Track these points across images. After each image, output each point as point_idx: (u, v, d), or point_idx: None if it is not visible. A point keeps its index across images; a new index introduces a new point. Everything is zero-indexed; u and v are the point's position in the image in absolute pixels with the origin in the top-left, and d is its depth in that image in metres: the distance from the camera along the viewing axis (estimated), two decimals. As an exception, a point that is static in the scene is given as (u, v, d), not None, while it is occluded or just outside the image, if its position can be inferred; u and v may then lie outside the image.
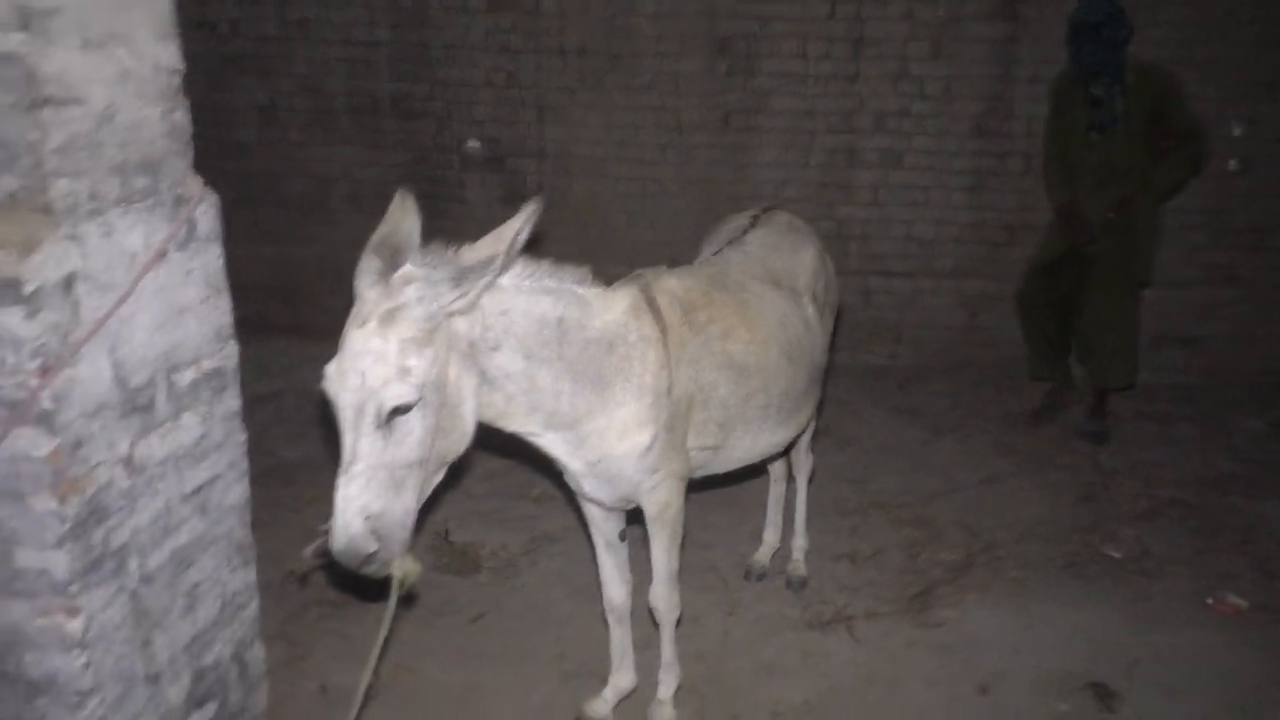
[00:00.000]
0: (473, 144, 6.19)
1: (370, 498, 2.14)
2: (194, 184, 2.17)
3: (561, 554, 4.18)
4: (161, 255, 2.03)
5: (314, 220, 6.51)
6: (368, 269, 2.24)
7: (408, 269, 2.21)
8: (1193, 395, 5.90)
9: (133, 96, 1.95)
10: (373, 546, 2.16)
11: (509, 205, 6.32)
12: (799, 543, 4.01)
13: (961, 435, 5.42)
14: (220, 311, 2.27)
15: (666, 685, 3.15)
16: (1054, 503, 4.71)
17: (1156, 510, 4.62)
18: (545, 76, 6.06)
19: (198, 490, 2.23)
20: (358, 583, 2.76)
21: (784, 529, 4.11)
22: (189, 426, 2.18)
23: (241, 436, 2.38)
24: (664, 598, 3.02)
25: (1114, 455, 5.20)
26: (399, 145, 6.29)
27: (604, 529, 3.05)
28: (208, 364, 2.23)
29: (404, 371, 2.13)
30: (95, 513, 1.91)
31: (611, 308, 2.62)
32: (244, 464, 2.40)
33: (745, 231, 3.36)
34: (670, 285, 2.83)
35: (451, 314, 2.23)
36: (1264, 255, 5.90)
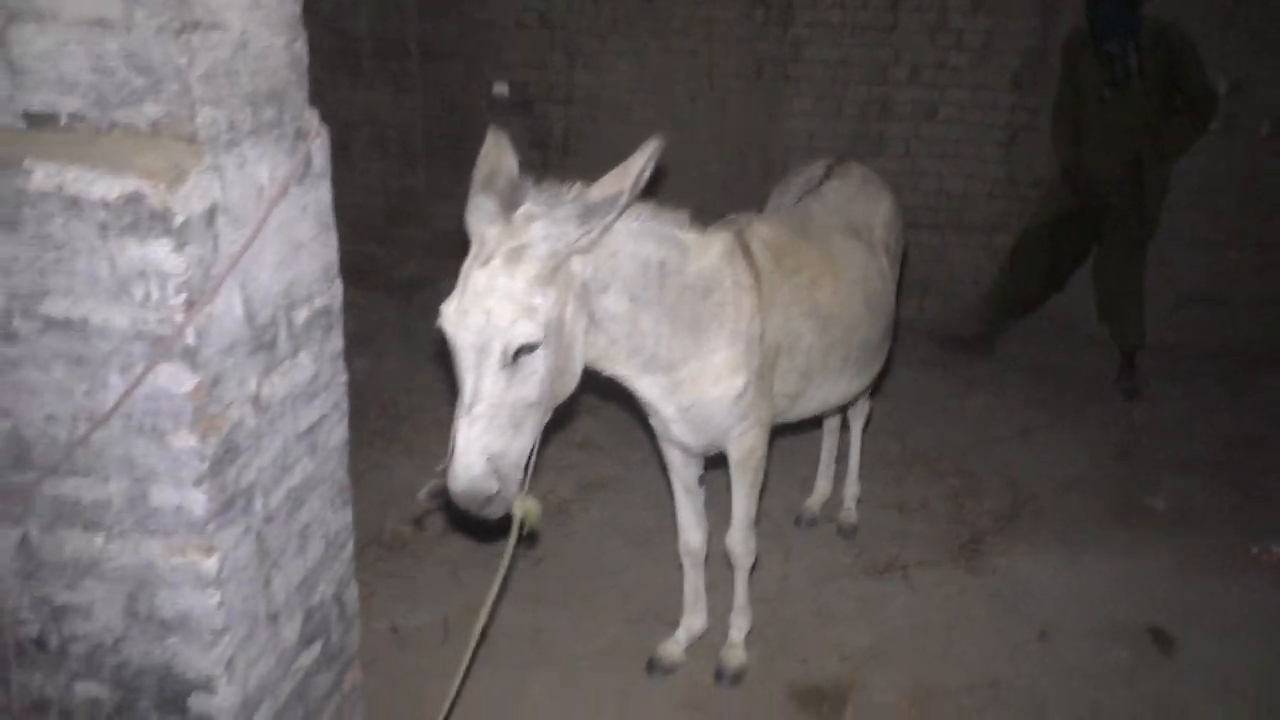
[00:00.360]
0: (500, 88, 6.09)
1: (492, 438, 2.13)
2: (311, 117, 2.11)
3: (612, 501, 4.19)
4: (286, 189, 1.98)
5: (335, 165, 6.37)
6: (483, 207, 2.21)
7: (529, 207, 2.18)
8: (1216, 355, 5.95)
9: (261, 24, 1.89)
10: (494, 487, 2.15)
11: (535, 151, 6.29)
12: (851, 490, 4.04)
13: (994, 389, 5.45)
14: (330, 249, 2.22)
15: (739, 628, 3.18)
16: (1091, 456, 4.77)
17: (1191, 466, 4.68)
18: (577, 19, 5.95)
19: (310, 430, 2.20)
20: (474, 524, 2.77)
21: (835, 478, 4.13)
22: (304, 365, 2.15)
23: (344, 377, 2.35)
24: (742, 542, 3.03)
25: (1145, 412, 5.26)
26: (425, 88, 6.17)
27: (684, 474, 3.05)
28: (319, 302, 2.19)
29: (531, 310, 2.11)
30: (229, 451, 1.88)
31: (708, 253, 2.59)
32: (345, 405, 2.36)
33: (821, 181, 3.34)
34: (762, 232, 2.81)
35: (573, 253, 2.20)
36: (1292, 218, 5.92)
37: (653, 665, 3.16)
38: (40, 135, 1.70)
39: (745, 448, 2.82)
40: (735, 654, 3.16)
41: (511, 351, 2.11)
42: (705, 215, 2.73)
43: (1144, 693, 3.21)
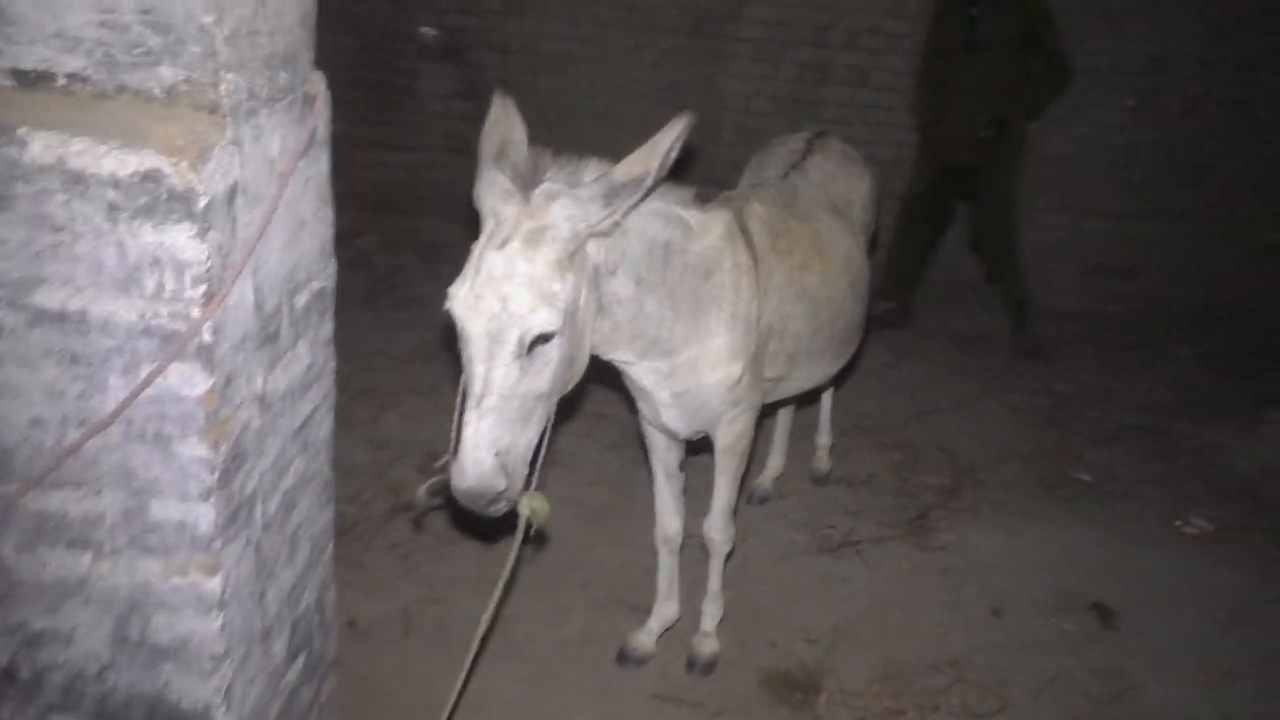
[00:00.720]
0: (428, 31, 5.74)
1: (501, 431, 1.98)
2: (318, 80, 1.89)
3: (559, 478, 4.04)
4: (296, 163, 1.76)
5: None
6: (497, 183, 2.04)
7: (549, 185, 2.02)
8: (1128, 324, 6.17)
9: (278, -26, 1.66)
10: (502, 484, 2.00)
11: (466, 101, 6.00)
12: (823, 440, 4.16)
13: (920, 357, 5.53)
14: (328, 224, 2.02)
15: (711, 616, 3.12)
16: (1020, 426, 4.88)
17: (1114, 435, 4.85)
18: (513, -40, 5.66)
19: (304, 425, 2.00)
20: (476, 522, 2.60)
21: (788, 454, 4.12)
22: (302, 356, 1.95)
23: (334, 364, 2.15)
24: (720, 529, 2.97)
25: (1065, 380, 5.41)
26: (347, 28, 5.77)
27: (666, 459, 2.95)
28: (316, 284, 1.99)
29: (550, 297, 1.96)
30: (237, 458, 1.68)
31: (710, 232, 2.48)
32: (334, 394, 2.17)
33: (804, 157, 3.24)
34: (758, 211, 2.72)
35: (594, 235, 2.06)
36: (1202, 192, 6.15)
37: (624, 656, 3.07)
38: (33, 97, 1.45)
39: (735, 434, 2.74)
40: (708, 643, 3.10)
41: (528, 341, 1.96)
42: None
43: (1093, 666, 3.30)
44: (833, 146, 3.37)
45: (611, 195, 2.01)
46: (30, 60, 1.44)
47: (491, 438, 1.97)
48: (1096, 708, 3.13)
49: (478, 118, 2.24)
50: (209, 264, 1.49)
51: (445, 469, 2.06)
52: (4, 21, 1.42)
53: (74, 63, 1.45)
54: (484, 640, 2.20)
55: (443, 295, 2.05)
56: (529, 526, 2.10)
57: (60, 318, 1.50)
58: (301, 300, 1.91)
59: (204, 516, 1.63)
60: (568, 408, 4.42)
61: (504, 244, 1.97)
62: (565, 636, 3.19)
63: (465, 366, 2.03)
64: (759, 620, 3.35)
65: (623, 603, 3.34)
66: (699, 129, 5.95)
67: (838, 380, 4.04)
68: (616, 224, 2.07)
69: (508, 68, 5.81)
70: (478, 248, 2.02)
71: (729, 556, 3.09)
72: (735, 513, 3.01)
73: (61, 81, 1.45)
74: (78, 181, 1.43)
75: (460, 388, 2.07)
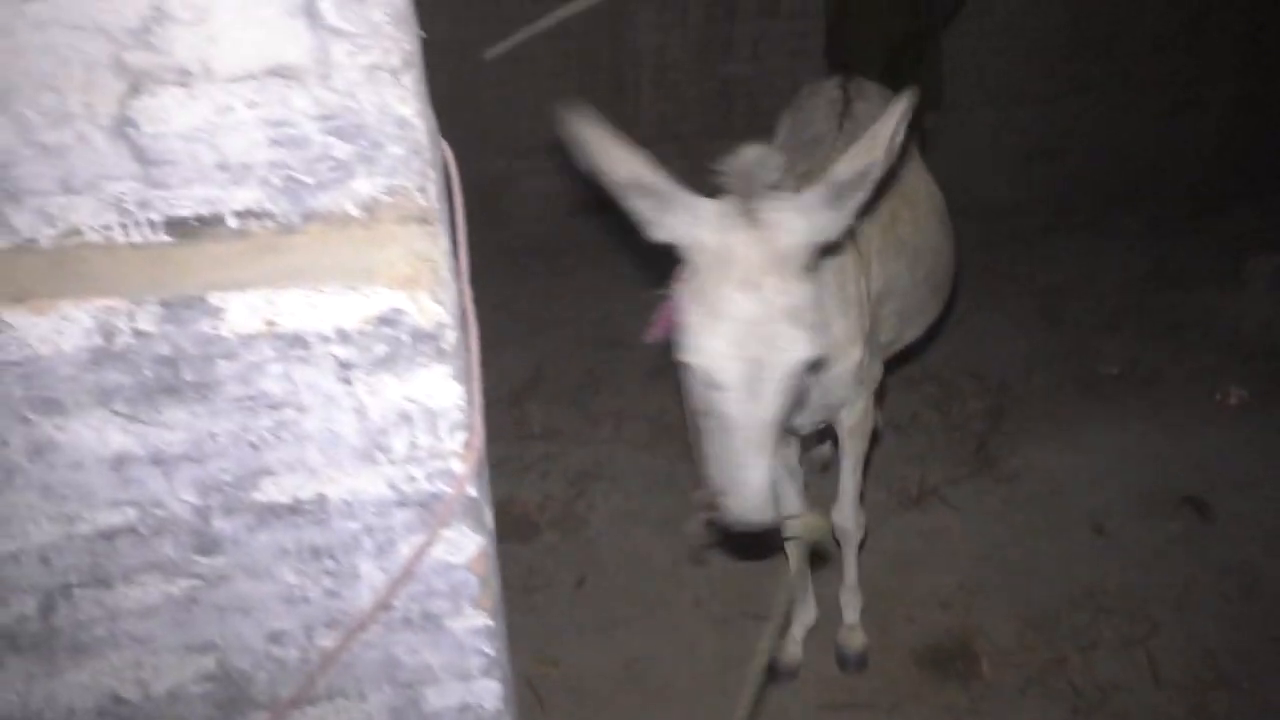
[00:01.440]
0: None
1: (772, 462, 1.88)
2: (442, 145, 1.58)
3: (614, 490, 3.82)
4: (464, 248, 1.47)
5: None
6: (697, 209, 1.80)
7: (772, 199, 1.78)
8: (1071, 206, 6.15)
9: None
10: (775, 510, 1.91)
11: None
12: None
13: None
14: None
15: (853, 608, 2.98)
16: (1026, 330, 4.85)
17: (1119, 319, 4.87)
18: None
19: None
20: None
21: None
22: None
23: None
24: (851, 517, 2.82)
25: (1045, 274, 5.38)
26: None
27: (785, 456, 2.76)
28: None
29: (811, 325, 1.80)
30: (500, 613, 1.41)
31: None
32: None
33: (847, 104, 3.03)
34: None
35: (823, 243, 1.88)
36: (1110, 61, 6.17)
37: (774, 672, 2.90)
38: (201, 250, 1.13)
39: (859, 414, 2.59)
40: (855, 636, 2.95)
41: (797, 373, 1.82)
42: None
43: (1215, 564, 3.27)
44: (869, 88, 3.17)
45: (838, 198, 1.81)
46: (189, 204, 1.12)
47: (767, 472, 1.86)
48: (1239, 607, 3.10)
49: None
50: (464, 405, 1.21)
51: (713, 507, 1.95)
52: (147, 162, 1.09)
53: (245, 196, 1.13)
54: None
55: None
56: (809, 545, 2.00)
57: (292, 511, 1.20)
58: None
59: (489, 692, 1.37)
60: (582, 411, 4.21)
61: (747, 280, 1.74)
62: (702, 666, 2.99)
63: (713, 406, 1.86)
64: (885, 596, 3.21)
65: (743, 615, 3.15)
66: (613, 88, 5.62)
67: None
68: (845, 228, 1.88)
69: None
70: (708, 287, 1.77)
71: (862, 544, 2.93)
72: (863, 498, 2.84)
73: (233, 223, 1.13)
74: (296, 344, 1.13)
75: (697, 421, 2.02)
